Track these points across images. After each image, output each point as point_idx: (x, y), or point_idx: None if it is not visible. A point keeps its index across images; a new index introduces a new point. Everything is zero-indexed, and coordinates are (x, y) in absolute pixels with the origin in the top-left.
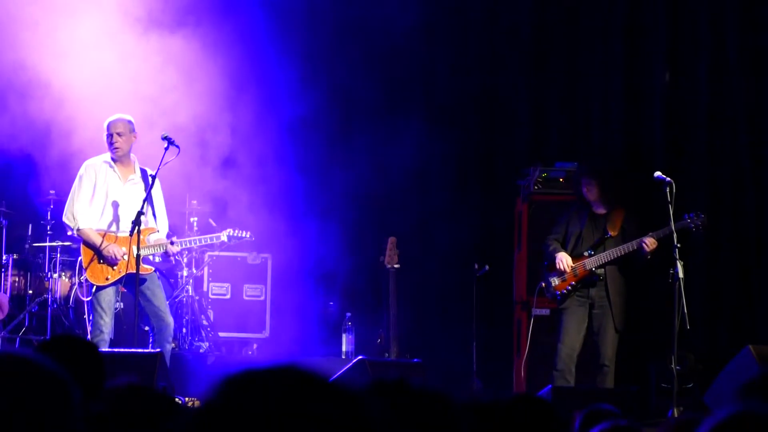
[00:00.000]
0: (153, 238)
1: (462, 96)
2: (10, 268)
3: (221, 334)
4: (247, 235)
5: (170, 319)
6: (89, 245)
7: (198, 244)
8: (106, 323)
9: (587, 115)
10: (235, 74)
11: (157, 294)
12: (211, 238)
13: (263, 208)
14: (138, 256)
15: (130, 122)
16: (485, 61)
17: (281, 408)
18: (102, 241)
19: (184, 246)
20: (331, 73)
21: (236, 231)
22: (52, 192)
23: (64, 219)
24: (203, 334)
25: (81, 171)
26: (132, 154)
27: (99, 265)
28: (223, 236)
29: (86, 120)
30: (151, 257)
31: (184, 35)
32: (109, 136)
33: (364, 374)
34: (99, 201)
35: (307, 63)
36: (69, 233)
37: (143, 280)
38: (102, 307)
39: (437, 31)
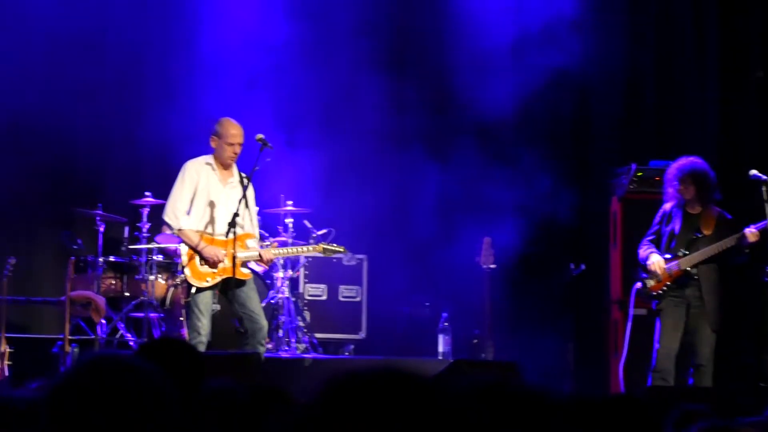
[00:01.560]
0: (251, 244)
1: (556, 95)
2: (106, 270)
3: (317, 336)
4: (342, 250)
5: (264, 322)
6: (189, 246)
7: (293, 255)
8: (204, 325)
9: (681, 113)
10: (339, 81)
11: (251, 297)
12: (306, 250)
13: (359, 210)
14: (235, 258)
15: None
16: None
17: (385, 410)
18: (200, 242)
19: (278, 256)
20: (424, 78)
21: (331, 244)
22: (147, 194)
23: (165, 218)
24: (299, 336)
25: (182, 171)
26: None
27: (199, 267)
28: (318, 249)
29: (183, 122)
30: (251, 263)
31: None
32: (231, 145)
33: (461, 375)
34: (199, 202)
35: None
36: (168, 232)
37: (240, 284)
38: (200, 309)
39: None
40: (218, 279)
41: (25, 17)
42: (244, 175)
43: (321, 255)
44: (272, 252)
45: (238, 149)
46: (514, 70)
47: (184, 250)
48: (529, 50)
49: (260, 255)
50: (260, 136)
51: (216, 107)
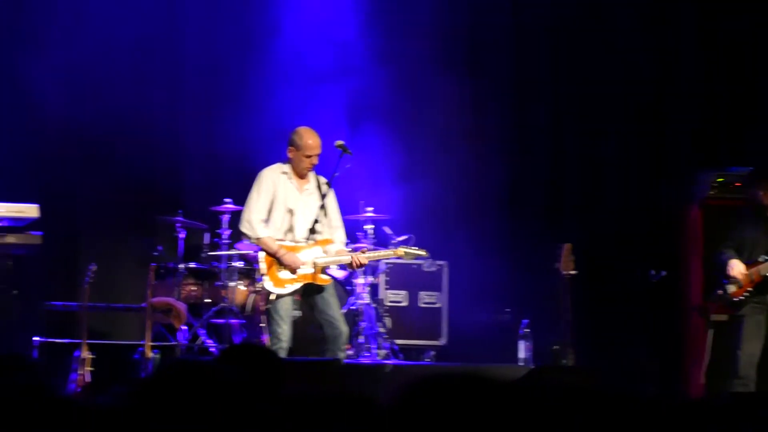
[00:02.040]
0: (331, 249)
1: (633, 99)
2: (187, 277)
3: (398, 342)
4: (424, 253)
5: (344, 328)
6: (268, 253)
7: (375, 258)
8: (284, 331)
9: (761, 118)
10: (416, 82)
11: (331, 303)
12: (388, 254)
13: (439, 216)
14: (315, 265)
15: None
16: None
17: (467, 414)
18: (280, 249)
19: (366, 261)
20: (498, 77)
21: (412, 248)
22: (227, 201)
23: (242, 228)
24: (380, 342)
25: (258, 180)
26: None
27: (278, 273)
28: (400, 252)
29: (264, 130)
30: (332, 268)
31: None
32: (308, 157)
33: (542, 381)
34: (277, 210)
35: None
36: (246, 242)
37: (320, 290)
38: (280, 315)
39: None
40: (297, 285)
41: (108, 36)
42: (324, 180)
43: (403, 259)
44: (365, 257)
45: (315, 160)
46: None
47: (262, 256)
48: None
49: (354, 258)
50: (340, 142)
51: (291, 109)
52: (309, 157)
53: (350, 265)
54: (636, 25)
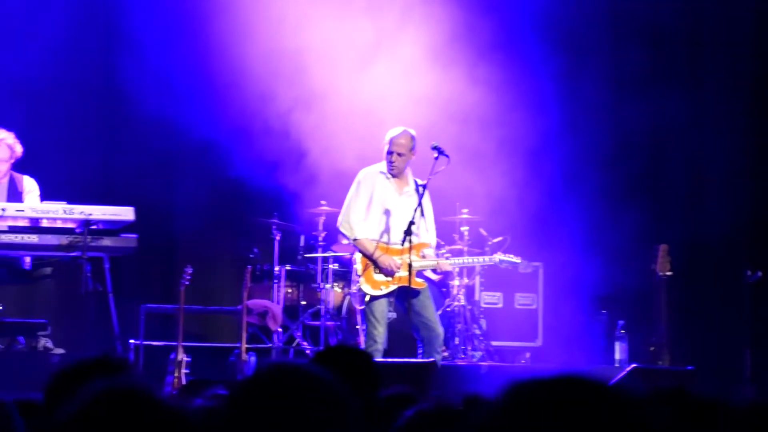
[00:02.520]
0: (427, 253)
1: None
2: (283, 279)
3: (493, 343)
4: (518, 260)
5: (440, 330)
6: (365, 255)
7: (468, 264)
8: (380, 333)
9: None
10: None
11: (427, 305)
12: (483, 261)
13: (534, 216)
14: (410, 267)
15: (413, 138)
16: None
17: (565, 416)
18: (376, 251)
19: (454, 266)
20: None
21: (507, 255)
22: (323, 203)
23: (340, 227)
24: (476, 344)
25: (358, 180)
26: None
27: (374, 275)
28: (495, 259)
29: (359, 131)
30: (427, 272)
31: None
32: (389, 153)
33: (638, 383)
34: (374, 211)
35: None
36: (344, 242)
37: (415, 293)
38: (375, 317)
39: None
40: (393, 287)
41: (205, 38)
42: (420, 182)
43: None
44: (449, 263)
45: (395, 158)
46: None
47: (358, 258)
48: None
49: (438, 264)
50: (435, 143)
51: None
52: (389, 153)
53: (438, 268)
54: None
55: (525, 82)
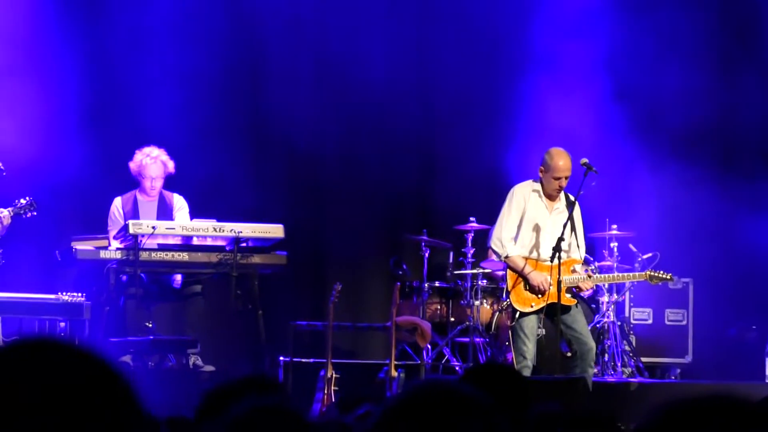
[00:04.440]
0: (577, 269)
1: None
2: (432, 296)
3: (643, 360)
4: (669, 277)
5: (592, 344)
6: (515, 271)
7: (618, 280)
8: (529, 349)
9: None
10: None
11: (578, 319)
12: (633, 277)
13: (684, 232)
14: (560, 283)
15: (571, 160)
16: None
17: None
18: (526, 267)
19: (600, 283)
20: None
21: (658, 272)
22: (472, 219)
23: (492, 245)
24: (625, 360)
25: (510, 197)
26: None
27: (524, 292)
28: (645, 276)
29: (508, 147)
30: (575, 289)
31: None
32: (557, 179)
33: None
34: (525, 228)
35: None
36: (495, 259)
37: (566, 308)
38: (525, 334)
39: None
40: (542, 304)
41: (354, 61)
42: (571, 197)
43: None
44: (599, 278)
45: (564, 183)
46: None
47: (509, 275)
48: None
49: (586, 280)
50: (585, 160)
51: (540, 128)
52: (557, 179)
53: (578, 287)
54: None
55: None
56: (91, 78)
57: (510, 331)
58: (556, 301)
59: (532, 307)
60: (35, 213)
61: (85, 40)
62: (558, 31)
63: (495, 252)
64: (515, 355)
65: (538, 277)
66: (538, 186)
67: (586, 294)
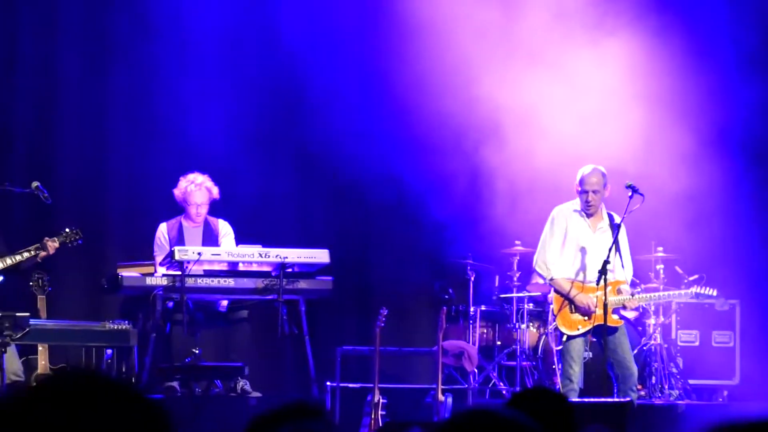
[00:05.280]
0: (623, 290)
1: None
2: (478, 320)
3: (690, 382)
4: (714, 293)
5: (634, 368)
6: (561, 294)
7: (664, 299)
8: (575, 373)
9: None
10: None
11: (622, 342)
12: (678, 295)
13: (730, 253)
14: (605, 306)
15: (604, 175)
16: None
17: None
18: (572, 290)
19: (645, 302)
20: None
21: (703, 288)
22: (517, 242)
23: (536, 267)
24: (673, 382)
25: (551, 218)
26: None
27: (570, 315)
28: (690, 293)
29: (552, 170)
30: (621, 309)
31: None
32: (584, 193)
33: None
34: (569, 249)
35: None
36: (540, 282)
37: (612, 330)
38: (572, 357)
39: None
40: (589, 327)
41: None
42: (617, 217)
43: (692, 300)
44: (644, 297)
45: (592, 197)
46: None
47: (554, 297)
48: None
49: (632, 300)
50: (629, 182)
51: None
52: (585, 192)
53: (624, 307)
54: None
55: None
56: (134, 106)
57: (557, 355)
58: (602, 322)
59: (578, 329)
60: (80, 242)
61: (130, 70)
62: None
63: (540, 275)
64: (562, 379)
65: (584, 300)
66: (577, 205)
67: (631, 316)
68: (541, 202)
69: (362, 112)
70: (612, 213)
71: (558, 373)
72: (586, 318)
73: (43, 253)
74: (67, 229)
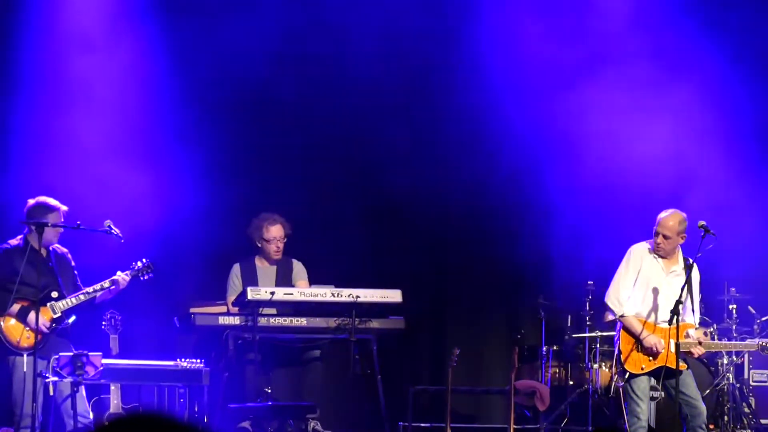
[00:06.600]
0: (690, 334)
1: None
2: (550, 359)
3: (762, 422)
4: None
5: (703, 407)
6: (629, 332)
7: (730, 349)
8: (643, 410)
9: None
10: None
11: (688, 382)
12: (744, 347)
13: None
14: (677, 346)
15: (682, 222)
16: None
17: None
18: (642, 330)
19: (711, 350)
20: None
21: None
22: (590, 283)
23: (608, 302)
24: (745, 422)
25: (627, 255)
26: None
27: (637, 353)
28: (755, 347)
29: (626, 211)
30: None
31: None
32: (656, 234)
33: None
34: (640, 288)
35: None
36: (610, 318)
37: (677, 372)
38: (637, 395)
39: None
40: (654, 367)
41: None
42: (690, 260)
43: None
44: (703, 347)
45: (661, 239)
46: None
47: (621, 334)
48: None
49: (692, 349)
50: (702, 223)
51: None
52: (656, 234)
53: (688, 353)
54: None
55: None
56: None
57: (622, 392)
58: (668, 365)
59: (642, 369)
60: (152, 275)
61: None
62: None
63: (610, 310)
64: (628, 417)
65: (652, 340)
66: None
67: (698, 355)
68: (613, 243)
69: (439, 152)
70: (687, 258)
71: (624, 411)
72: (650, 359)
73: (114, 287)
74: (139, 262)
